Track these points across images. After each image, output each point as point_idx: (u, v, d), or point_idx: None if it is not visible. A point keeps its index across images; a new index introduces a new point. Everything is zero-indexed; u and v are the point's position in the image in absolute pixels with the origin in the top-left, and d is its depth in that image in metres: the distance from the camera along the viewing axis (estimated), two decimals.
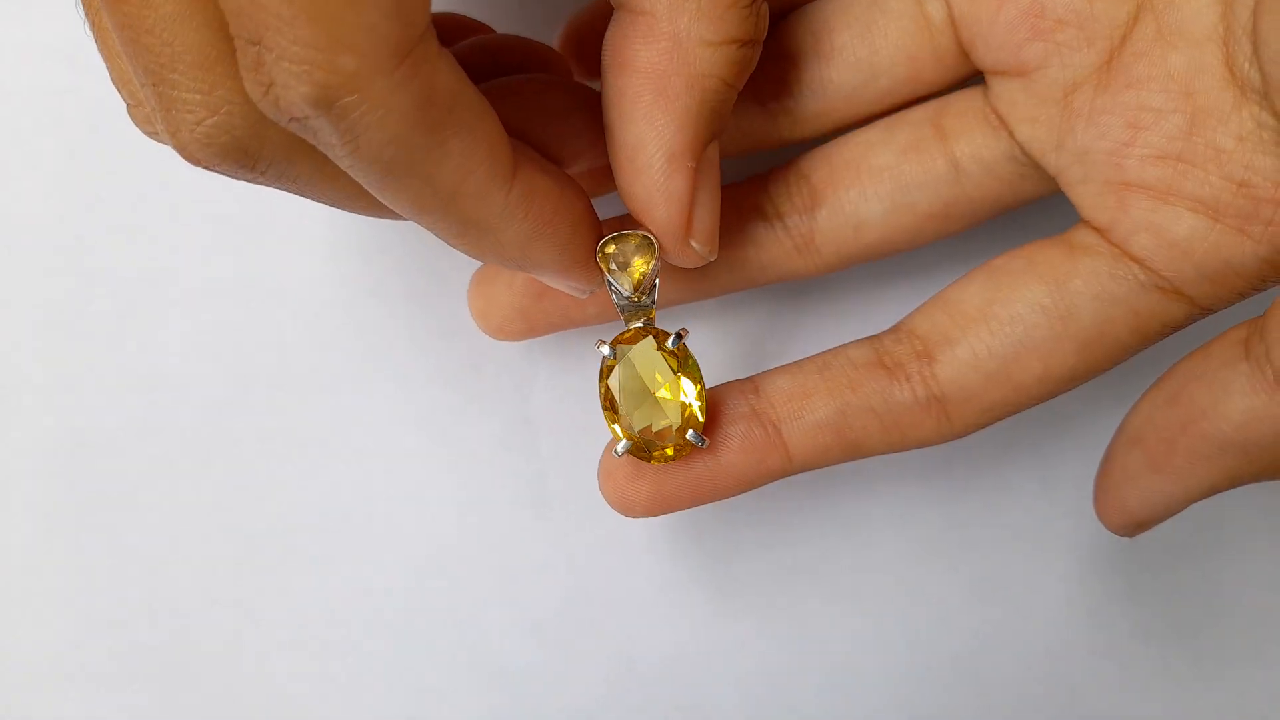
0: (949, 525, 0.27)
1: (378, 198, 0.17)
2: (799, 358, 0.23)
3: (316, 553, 0.27)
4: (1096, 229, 0.21)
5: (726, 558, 0.27)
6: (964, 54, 0.22)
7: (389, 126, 0.15)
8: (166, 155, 0.25)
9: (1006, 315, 0.21)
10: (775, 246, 0.23)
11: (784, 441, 0.21)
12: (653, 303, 0.21)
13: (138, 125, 0.18)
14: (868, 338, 0.22)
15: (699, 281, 0.24)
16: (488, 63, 0.21)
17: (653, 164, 0.18)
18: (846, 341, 0.23)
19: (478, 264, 0.25)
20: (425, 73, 0.15)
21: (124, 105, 0.18)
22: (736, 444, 0.21)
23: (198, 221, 0.27)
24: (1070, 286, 0.21)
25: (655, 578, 0.27)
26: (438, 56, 0.15)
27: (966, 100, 0.23)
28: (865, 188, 0.23)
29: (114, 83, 0.18)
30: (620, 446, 0.20)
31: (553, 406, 0.27)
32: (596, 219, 0.19)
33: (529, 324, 0.24)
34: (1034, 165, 0.22)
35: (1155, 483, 0.20)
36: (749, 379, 0.22)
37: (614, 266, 0.20)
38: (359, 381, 0.27)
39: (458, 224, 0.17)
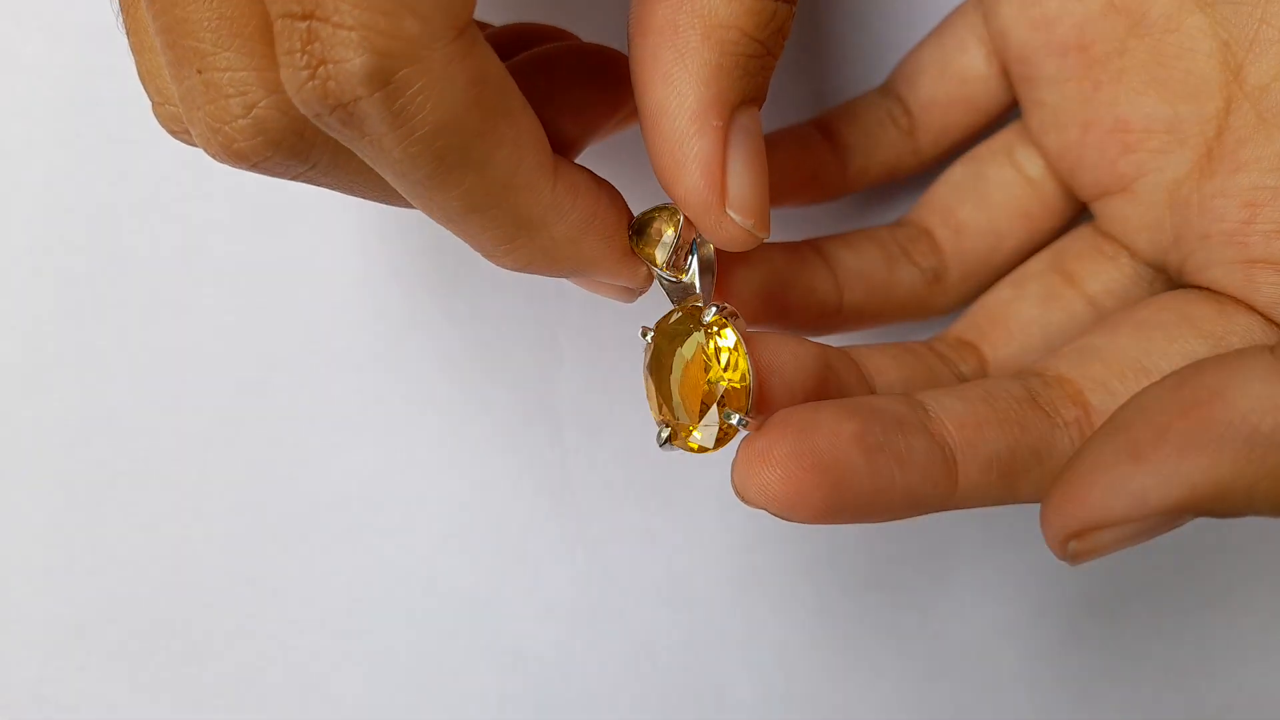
0: (966, 519, 0.27)
1: (423, 199, 0.16)
2: None
3: (338, 534, 0.27)
4: (1237, 300, 0.21)
5: (746, 547, 0.27)
6: (1068, 195, 0.24)
7: (445, 106, 0.14)
8: None
9: (1167, 369, 0.20)
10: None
11: (956, 471, 0.19)
12: (695, 283, 0.19)
13: (163, 124, 0.17)
14: (1013, 375, 0.21)
15: None
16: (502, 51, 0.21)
17: (675, 125, 0.17)
18: None
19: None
20: (477, 50, 0.14)
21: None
22: (921, 461, 0.19)
23: (226, 203, 0.27)
24: (1228, 343, 0.20)
25: (674, 565, 0.27)
26: (480, 38, 0.15)
27: (1079, 242, 0.24)
28: (1020, 342, 0.23)
29: (141, 79, 0.17)
30: (664, 434, 0.19)
31: (576, 393, 0.27)
32: (628, 211, 0.19)
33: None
34: (1159, 274, 0.23)
35: (1129, 475, 0.16)
36: (909, 394, 0.20)
37: (642, 243, 0.19)
38: (383, 364, 0.27)
39: (510, 223, 0.16)
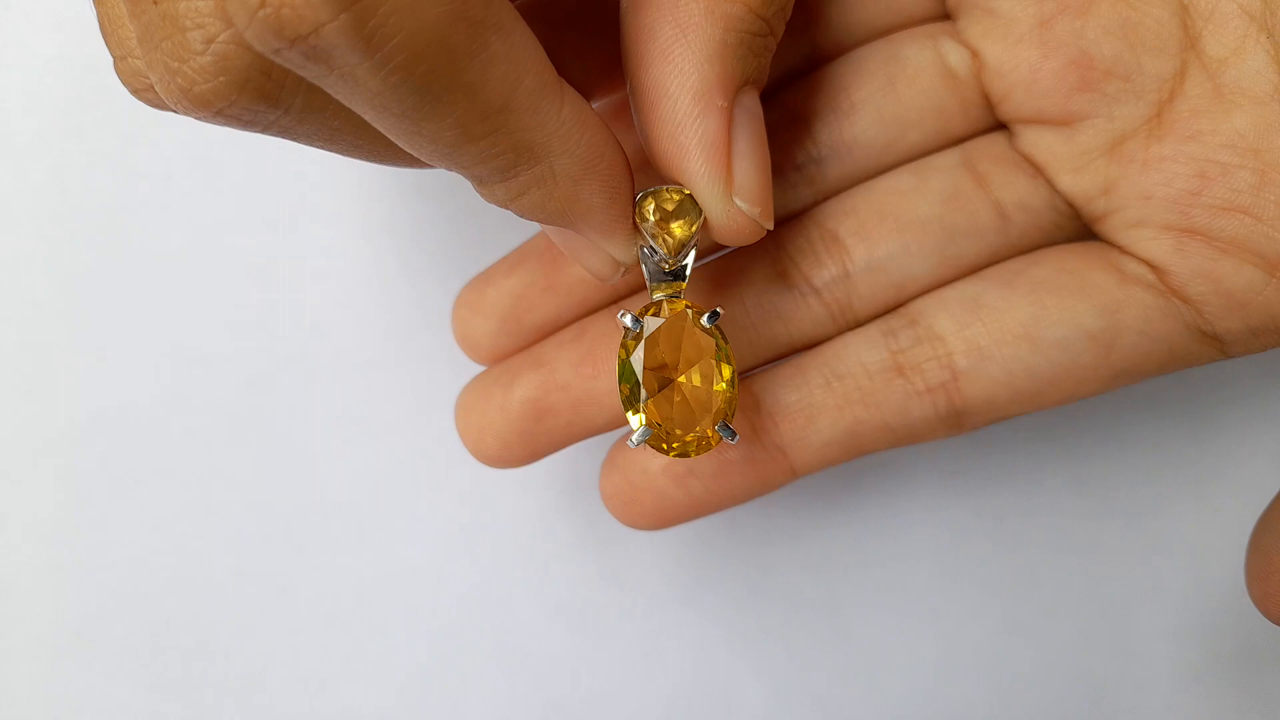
0: (978, 518, 0.27)
1: (410, 136, 0.14)
2: None
3: (345, 532, 0.27)
4: (1152, 268, 0.20)
5: (755, 546, 0.27)
6: (988, 104, 0.21)
7: (425, 25, 0.12)
8: (204, 127, 0.26)
9: (1053, 338, 0.20)
10: (806, 316, 0.21)
11: (789, 460, 0.20)
12: (685, 276, 0.18)
13: (125, 82, 0.16)
14: (879, 328, 0.21)
15: None
16: None
17: (677, 106, 0.16)
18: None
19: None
20: None
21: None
22: (738, 468, 0.20)
23: (233, 199, 0.27)
24: (1120, 317, 0.20)
25: (683, 563, 0.27)
26: None
27: (994, 146, 0.21)
28: (907, 242, 0.21)
29: (103, 34, 0.16)
30: (636, 436, 0.17)
31: None
32: (632, 172, 0.17)
33: (530, 448, 0.22)
34: (1071, 214, 0.21)
35: None
36: (744, 386, 0.20)
37: (651, 224, 0.17)
38: (391, 361, 0.27)
39: (509, 151, 0.15)
